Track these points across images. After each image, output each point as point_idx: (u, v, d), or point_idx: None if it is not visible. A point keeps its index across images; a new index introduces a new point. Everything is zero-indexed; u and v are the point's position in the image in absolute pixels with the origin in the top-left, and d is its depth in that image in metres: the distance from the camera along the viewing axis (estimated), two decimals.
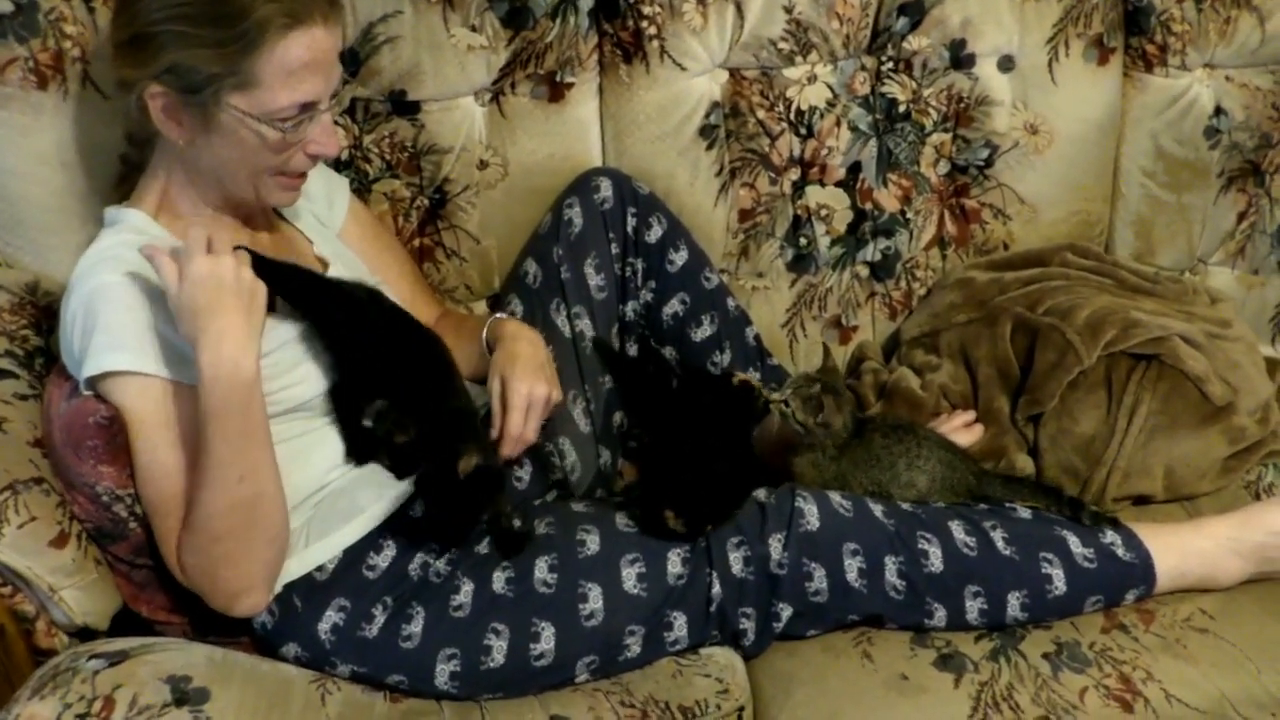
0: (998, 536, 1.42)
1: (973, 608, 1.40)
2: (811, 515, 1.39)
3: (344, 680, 1.36)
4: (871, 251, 1.83)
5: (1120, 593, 1.43)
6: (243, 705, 1.27)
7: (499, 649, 1.34)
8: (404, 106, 1.69)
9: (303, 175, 1.40)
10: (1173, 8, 1.77)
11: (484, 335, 1.51)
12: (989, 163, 1.81)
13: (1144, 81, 1.83)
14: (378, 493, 1.41)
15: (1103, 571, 1.42)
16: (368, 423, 1.38)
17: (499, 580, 1.37)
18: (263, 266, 1.31)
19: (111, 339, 1.28)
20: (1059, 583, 1.40)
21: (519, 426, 1.41)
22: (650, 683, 1.35)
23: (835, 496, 1.42)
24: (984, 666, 1.37)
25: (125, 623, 1.40)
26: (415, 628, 1.35)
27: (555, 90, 1.72)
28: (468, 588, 1.36)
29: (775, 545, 1.37)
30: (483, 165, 1.73)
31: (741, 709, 1.35)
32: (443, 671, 1.34)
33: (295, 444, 1.41)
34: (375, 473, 1.43)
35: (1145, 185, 1.87)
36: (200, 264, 1.23)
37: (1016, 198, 1.83)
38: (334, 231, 1.60)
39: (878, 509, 1.43)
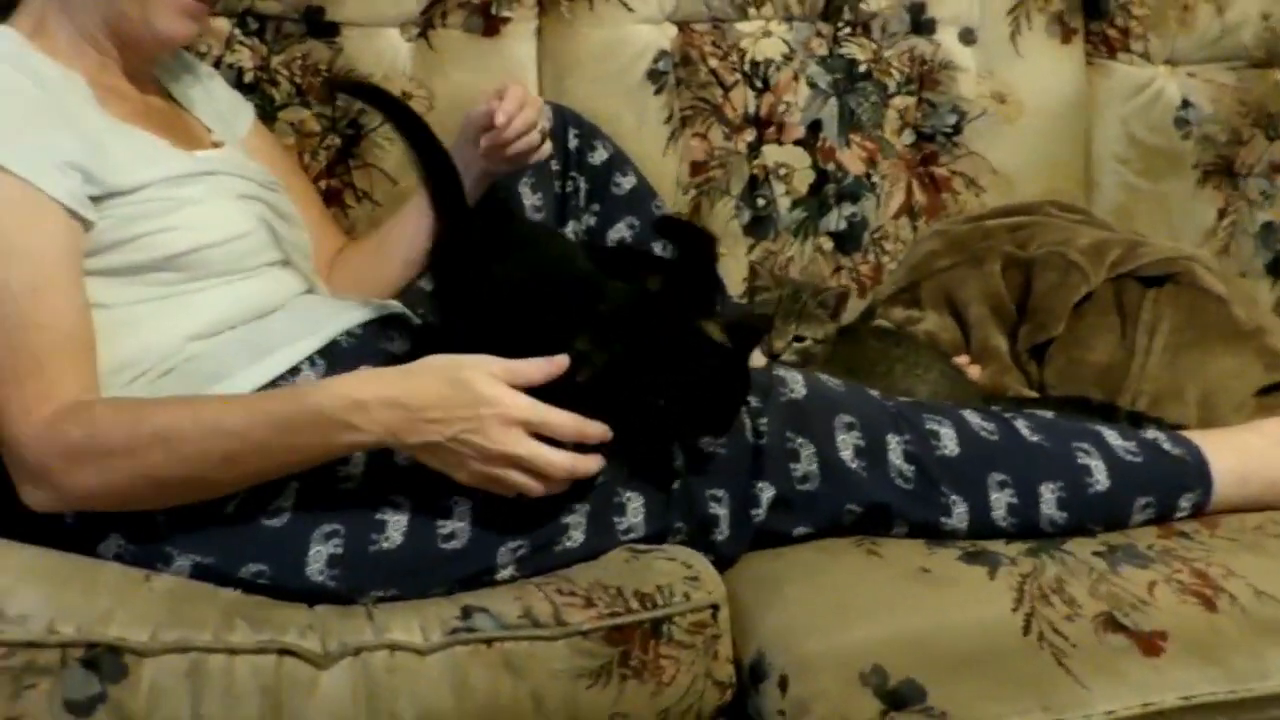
0: (1021, 425, 1.16)
1: (999, 500, 1.11)
2: (796, 384, 1.12)
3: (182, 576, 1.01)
4: (836, 219, 1.65)
5: (1174, 496, 1.16)
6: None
7: (396, 524, 1.02)
8: (320, 27, 1.53)
9: (203, 3, 1.20)
10: None
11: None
12: (957, 129, 1.67)
13: (1108, 68, 1.74)
14: (252, 358, 1.11)
15: (1150, 466, 1.15)
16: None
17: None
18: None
19: None
20: (1100, 475, 1.13)
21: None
22: (597, 569, 1.03)
23: (822, 375, 1.16)
24: (1022, 561, 1.07)
25: None
26: (285, 501, 1.03)
27: (490, 23, 1.57)
28: (360, 455, 1.05)
29: (751, 411, 1.09)
30: (406, 98, 1.54)
31: (715, 607, 1.02)
32: (318, 555, 1.01)
33: (153, 305, 1.12)
34: (247, 339, 1.14)
35: (1120, 172, 1.74)
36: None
37: (989, 167, 1.68)
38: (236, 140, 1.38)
39: (874, 392, 1.17)
